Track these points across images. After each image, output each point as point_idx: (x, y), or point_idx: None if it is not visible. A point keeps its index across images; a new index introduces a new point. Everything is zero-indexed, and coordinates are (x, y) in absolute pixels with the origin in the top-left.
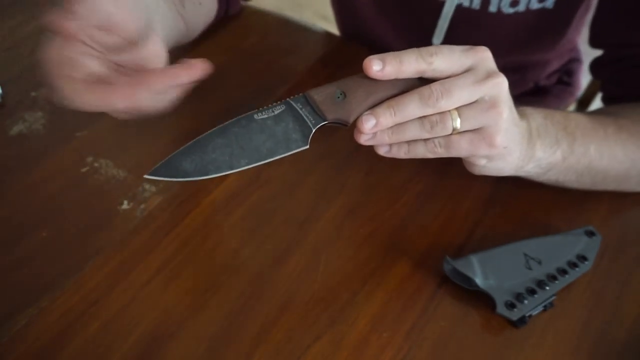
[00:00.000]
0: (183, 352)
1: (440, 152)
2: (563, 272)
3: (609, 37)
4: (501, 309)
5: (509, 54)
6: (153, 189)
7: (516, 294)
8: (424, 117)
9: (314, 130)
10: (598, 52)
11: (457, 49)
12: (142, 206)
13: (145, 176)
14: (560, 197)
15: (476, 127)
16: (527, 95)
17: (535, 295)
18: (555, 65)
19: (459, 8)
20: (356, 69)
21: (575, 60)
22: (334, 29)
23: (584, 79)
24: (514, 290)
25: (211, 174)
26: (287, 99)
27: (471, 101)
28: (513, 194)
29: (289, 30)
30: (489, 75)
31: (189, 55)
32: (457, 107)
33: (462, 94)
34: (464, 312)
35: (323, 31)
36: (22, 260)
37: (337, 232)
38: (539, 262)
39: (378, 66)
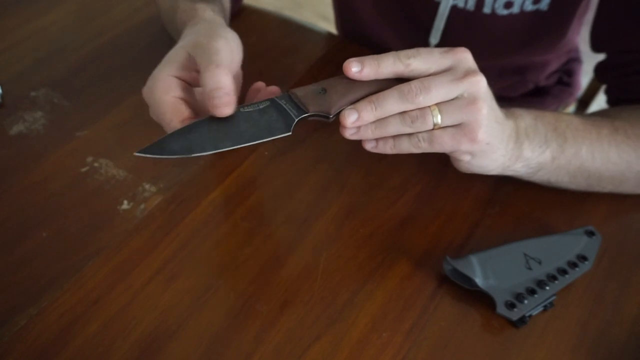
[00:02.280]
0: (183, 352)
1: (424, 147)
2: (563, 272)
3: (610, 43)
4: (501, 309)
5: (507, 55)
6: (153, 189)
7: (516, 294)
8: (405, 112)
9: (296, 120)
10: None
11: (436, 51)
12: (142, 206)
13: (135, 154)
14: (560, 197)
15: (457, 123)
16: (527, 96)
17: (535, 295)
18: (554, 65)
19: (454, 9)
20: None
21: (575, 60)
22: (334, 29)
23: (584, 79)
24: (514, 290)
25: (196, 153)
26: (272, 97)
27: (450, 98)
28: (513, 194)
29: (289, 30)
30: (467, 74)
31: None
32: (438, 104)
33: (440, 90)
34: (464, 312)
35: (323, 31)
36: (22, 260)
37: (337, 232)
38: (539, 262)
39: (357, 68)
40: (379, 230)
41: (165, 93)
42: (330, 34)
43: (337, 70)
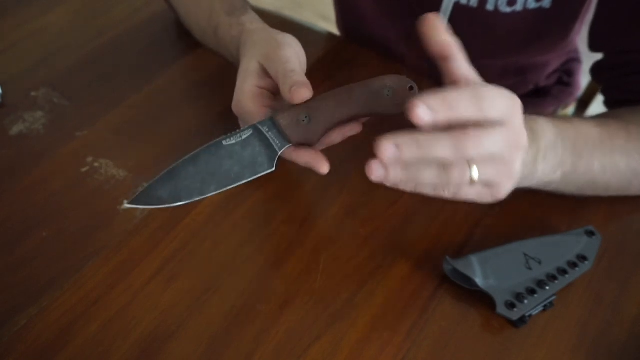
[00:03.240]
0: (183, 352)
1: (444, 196)
2: (563, 272)
3: (608, 43)
4: (501, 309)
5: (509, 54)
6: None
7: (516, 293)
8: (445, 165)
9: (279, 153)
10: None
11: (506, 98)
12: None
13: (125, 205)
14: (560, 197)
15: (489, 181)
16: (527, 96)
17: (535, 295)
18: (554, 65)
19: (457, 6)
20: (356, 69)
21: (575, 60)
22: (334, 29)
23: (584, 79)
24: (514, 290)
25: (184, 201)
26: (255, 123)
27: (491, 154)
28: (513, 194)
29: (289, 30)
30: (516, 135)
31: (190, 56)
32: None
33: (491, 148)
34: (464, 312)
35: (323, 31)
36: (22, 260)
37: (337, 232)
38: (539, 262)
39: (428, 117)
40: (379, 230)
41: (254, 103)
42: (330, 34)
43: (337, 71)
